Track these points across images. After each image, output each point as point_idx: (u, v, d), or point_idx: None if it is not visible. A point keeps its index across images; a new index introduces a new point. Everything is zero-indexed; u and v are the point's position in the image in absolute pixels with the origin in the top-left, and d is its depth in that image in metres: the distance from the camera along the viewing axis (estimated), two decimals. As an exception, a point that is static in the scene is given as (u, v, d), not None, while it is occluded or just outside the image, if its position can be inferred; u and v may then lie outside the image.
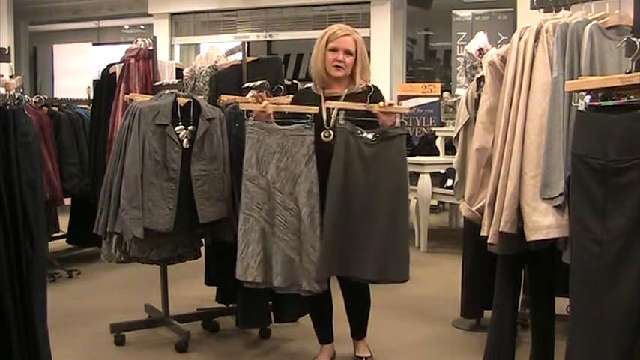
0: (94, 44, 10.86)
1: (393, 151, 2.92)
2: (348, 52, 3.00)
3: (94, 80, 7.11)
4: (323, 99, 3.03)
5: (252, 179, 2.95)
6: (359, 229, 2.88)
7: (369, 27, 8.17)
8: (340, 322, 3.25)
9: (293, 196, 2.89)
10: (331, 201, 2.86)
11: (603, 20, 2.47)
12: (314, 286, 2.87)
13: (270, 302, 3.50)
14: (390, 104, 2.95)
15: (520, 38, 2.55)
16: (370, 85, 3.11)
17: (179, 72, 4.49)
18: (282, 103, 3.22)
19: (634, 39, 2.07)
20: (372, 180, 2.89)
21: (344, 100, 2.98)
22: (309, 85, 3.23)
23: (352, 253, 2.88)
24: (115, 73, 4.39)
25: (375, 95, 3.03)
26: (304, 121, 2.91)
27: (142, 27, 10.80)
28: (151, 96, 3.56)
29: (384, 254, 2.89)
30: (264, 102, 3.02)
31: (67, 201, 5.29)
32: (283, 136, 2.92)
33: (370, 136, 2.88)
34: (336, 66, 2.99)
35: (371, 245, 2.88)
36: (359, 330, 3.24)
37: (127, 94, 3.93)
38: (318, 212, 2.87)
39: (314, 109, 2.92)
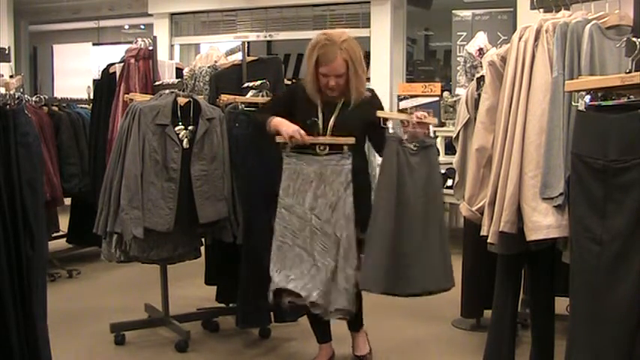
0: (94, 44, 10.87)
1: (432, 159, 2.99)
2: (338, 76, 2.96)
3: (94, 80, 7.11)
4: (320, 105, 3.02)
5: (289, 207, 2.99)
6: (410, 242, 2.89)
7: (369, 27, 8.14)
8: (340, 322, 3.25)
9: (331, 223, 2.92)
10: (387, 212, 2.87)
11: (603, 20, 2.47)
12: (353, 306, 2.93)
13: (270, 302, 3.50)
14: (425, 116, 3.01)
15: (520, 38, 2.55)
16: (369, 89, 3.11)
17: (179, 72, 4.50)
18: None
19: (634, 39, 2.07)
20: (420, 190, 2.92)
21: (341, 107, 3.00)
22: None
23: (405, 267, 2.88)
24: (115, 73, 4.38)
25: (373, 99, 3.06)
26: (342, 152, 2.93)
27: (142, 27, 10.80)
28: (151, 96, 3.56)
29: (434, 265, 2.91)
30: (306, 138, 2.96)
31: (67, 201, 5.29)
32: (321, 165, 2.95)
33: (412, 145, 2.93)
34: (330, 89, 2.99)
35: (423, 257, 2.89)
36: (354, 322, 3.24)
37: (127, 94, 3.93)
38: (354, 235, 2.91)
39: (351, 140, 2.94)
